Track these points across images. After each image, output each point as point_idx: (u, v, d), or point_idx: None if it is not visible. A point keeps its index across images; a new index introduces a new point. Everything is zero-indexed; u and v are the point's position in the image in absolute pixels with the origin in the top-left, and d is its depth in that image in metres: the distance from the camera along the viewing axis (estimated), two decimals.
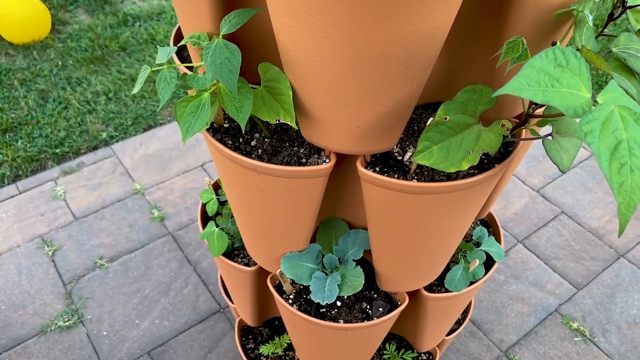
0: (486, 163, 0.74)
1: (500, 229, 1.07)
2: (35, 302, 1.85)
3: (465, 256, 0.98)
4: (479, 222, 1.11)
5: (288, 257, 0.89)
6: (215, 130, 0.77)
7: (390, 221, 0.75)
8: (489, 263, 1.02)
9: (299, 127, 0.73)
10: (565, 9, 0.58)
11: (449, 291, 0.98)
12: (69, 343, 1.75)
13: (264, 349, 1.20)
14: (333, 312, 0.95)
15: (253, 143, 0.76)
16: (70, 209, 2.15)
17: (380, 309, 0.96)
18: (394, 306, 0.96)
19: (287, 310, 0.95)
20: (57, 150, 2.35)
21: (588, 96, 0.49)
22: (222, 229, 0.98)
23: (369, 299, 0.98)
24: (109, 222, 2.11)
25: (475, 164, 0.60)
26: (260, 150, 0.75)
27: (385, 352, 1.21)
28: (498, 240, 1.07)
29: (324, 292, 0.87)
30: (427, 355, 1.27)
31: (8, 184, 2.24)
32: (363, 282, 0.87)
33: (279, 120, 0.64)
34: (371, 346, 1.02)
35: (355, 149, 0.68)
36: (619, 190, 0.42)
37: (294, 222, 0.80)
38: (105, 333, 1.78)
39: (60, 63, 2.81)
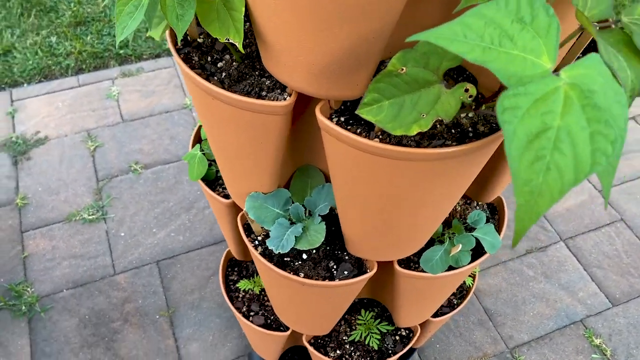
0: (472, 137, 0.63)
1: (506, 218, 0.96)
2: (69, 191, 1.94)
3: (451, 238, 0.88)
4: (484, 206, 0.99)
5: (253, 197, 0.84)
6: (187, 44, 0.71)
7: (349, 181, 0.67)
8: (480, 252, 0.91)
9: (244, 53, 0.65)
10: None
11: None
12: (88, 235, 1.83)
13: (242, 284, 1.18)
14: (296, 264, 0.90)
15: (220, 65, 0.69)
16: (120, 110, 2.20)
17: (346, 272, 0.89)
18: (362, 272, 0.89)
19: (251, 252, 0.91)
20: (121, 52, 2.39)
21: (549, 67, 0.38)
22: (204, 153, 0.94)
23: (339, 259, 0.91)
24: (152, 130, 2.14)
25: (426, 130, 0.50)
26: (224, 74, 0.68)
27: (359, 317, 1.15)
28: (499, 229, 0.95)
29: (280, 241, 0.82)
30: (407, 331, 1.19)
31: (71, 75, 2.32)
32: (322, 239, 0.80)
33: (228, 40, 0.57)
34: (334, 308, 0.97)
35: (313, 89, 0.59)
36: (523, 189, 0.32)
37: (255, 159, 0.74)
38: (122, 234, 1.84)
39: None
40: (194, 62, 0.69)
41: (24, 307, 1.65)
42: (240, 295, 1.23)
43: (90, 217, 1.87)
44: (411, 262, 0.93)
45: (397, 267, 0.88)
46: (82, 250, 1.79)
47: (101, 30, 2.47)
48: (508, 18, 0.37)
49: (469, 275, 1.23)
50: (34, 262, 1.76)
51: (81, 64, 2.35)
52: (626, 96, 0.39)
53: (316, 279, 0.88)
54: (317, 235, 0.81)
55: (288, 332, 1.15)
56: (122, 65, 2.38)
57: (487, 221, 0.98)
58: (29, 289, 1.69)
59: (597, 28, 0.43)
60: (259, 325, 1.18)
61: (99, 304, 1.68)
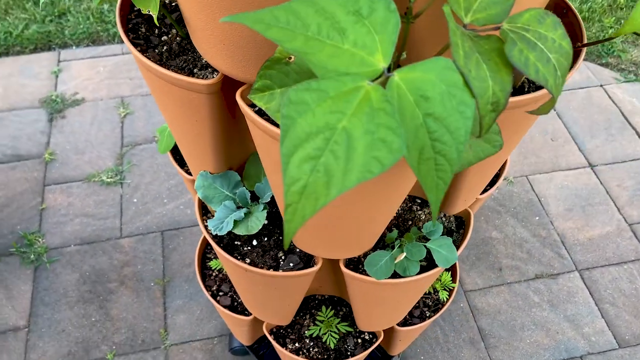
0: None
1: (469, 234, 0.91)
2: (93, 152, 2.02)
3: (402, 245, 0.85)
4: (451, 218, 0.94)
5: (203, 176, 0.84)
6: (140, 15, 0.71)
7: (277, 170, 0.66)
8: (434, 263, 0.87)
9: (158, 25, 0.65)
10: None
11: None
12: (103, 197, 1.91)
13: (213, 263, 1.19)
14: (245, 249, 0.89)
15: (164, 38, 0.69)
16: None
17: (291, 264, 0.88)
18: (309, 267, 0.88)
19: (202, 229, 0.91)
20: None
21: (382, 67, 0.35)
22: None
23: (290, 250, 0.90)
24: None
25: None
26: (165, 47, 0.68)
27: (320, 314, 1.13)
28: (459, 244, 0.90)
29: (221, 223, 0.81)
30: (370, 335, 1.16)
31: (116, 42, 2.40)
32: (260, 226, 0.79)
33: (149, 12, 0.57)
34: (283, 298, 0.96)
35: (228, 68, 0.58)
36: (290, 188, 0.29)
37: (194, 137, 0.73)
38: (135, 200, 1.90)
39: None
40: (139, 33, 0.70)
41: (32, 256, 1.74)
42: (214, 274, 1.24)
43: (108, 180, 1.94)
44: (360, 265, 0.90)
45: (342, 266, 0.86)
46: (95, 211, 1.87)
47: None
48: (343, 9, 0.35)
49: (444, 290, 1.18)
50: (50, 215, 1.85)
51: None
52: (476, 107, 0.36)
53: (261, 267, 0.88)
54: (257, 222, 0.80)
55: (250, 317, 1.15)
56: None
57: (450, 234, 0.93)
58: (40, 240, 1.78)
59: (473, 33, 0.40)
60: (225, 307, 1.19)
61: (100, 263, 1.75)
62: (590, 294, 1.74)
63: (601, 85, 2.32)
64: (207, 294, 1.19)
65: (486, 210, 1.93)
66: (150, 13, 0.56)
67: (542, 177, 2.03)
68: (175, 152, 1.02)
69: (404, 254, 0.82)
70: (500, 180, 0.99)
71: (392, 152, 0.29)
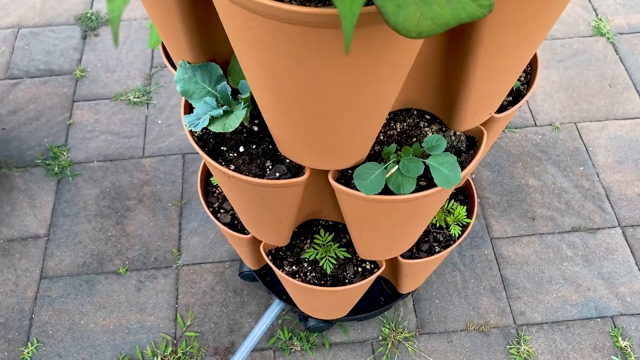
0: None
1: (479, 153, 0.80)
2: (123, 71, 2.00)
3: (398, 160, 0.76)
4: (461, 137, 0.84)
5: (183, 67, 0.77)
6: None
7: (242, 50, 0.58)
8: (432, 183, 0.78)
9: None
10: None
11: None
12: (129, 116, 1.89)
13: (214, 180, 1.14)
14: (231, 154, 0.83)
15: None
16: None
17: (277, 174, 0.81)
18: (296, 174, 0.80)
19: (185, 130, 0.85)
20: None
21: None
22: None
23: (279, 160, 0.83)
24: None
25: None
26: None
27: (318, 237, 1.07)
28: (465, 165, 0.80)
29: (198, 119, 0.75)
30: (372, 265, 1.09)
31: None
32: (236, 125, 0.72)
33: None
34: (270, 211, 0.89)
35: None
36: None
37: (163, 14, 0.66)
38: (159, 121, 1.88)
39: None
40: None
41: (56, 169, 1.76)
42: (217, 192, 1.19)
43: (135, 100, 1.92)
44: (352, 181, 0.82)
45: (330, 179, 0.78)
46: (120, 129, 1.86)
47: None
48: None
49: (458, 225, 1.08)
50: (76, 131, 1.85)
51: None
52: None
53: (246, 175, 0.81)
54: (235, 119, 0.72)
55: (249, 236, 1.10)
56: None
57: (459, 154, 0.83)
58: (65, 154, 1.80)
59: None
60: (224, 224, 1.14)
61: (120, 181, 1.75)
62: (631, 252, 1.60)
63: None
64: (208, 211, 1.14)
65: (525, 156, 1.78)
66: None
67: (593, 125, 1.85)
68: None
69: (395, 167, 0.73)
70: (525, 100, 0.87)
71: None
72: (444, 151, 0.79)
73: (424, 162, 0.76)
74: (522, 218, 1.66)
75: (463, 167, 0.81)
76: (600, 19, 2.09)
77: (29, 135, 1.85)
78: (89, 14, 2.15)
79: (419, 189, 0.79)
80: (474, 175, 1.74)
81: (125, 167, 1.78)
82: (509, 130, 1.84)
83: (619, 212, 1.67)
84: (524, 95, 0.88)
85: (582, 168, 1.76)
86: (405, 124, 0.85)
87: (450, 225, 1.09)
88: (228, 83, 0.77)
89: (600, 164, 1.77)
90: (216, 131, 0.74)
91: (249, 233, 1.11)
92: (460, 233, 1.08)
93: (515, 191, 1.72)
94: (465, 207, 1.11)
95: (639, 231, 1.63)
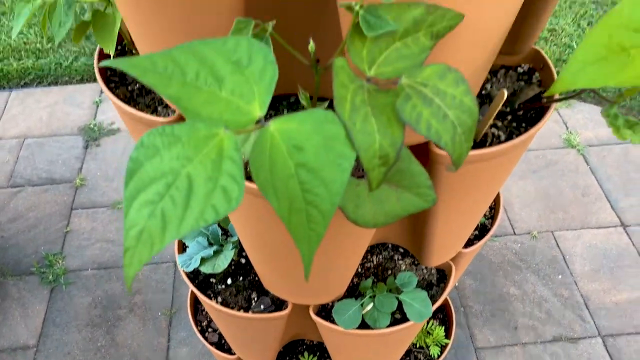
0: None
1: (448, 287, 0.87)
2: (121, 180, 2.09)
3: (373, 295, 0.82)
4: (432, 270, 0.91)
5: None
6: (122, 52, 0.75)
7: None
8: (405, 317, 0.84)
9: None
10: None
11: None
12: (122, 223, 1.96)
13: None
14: (219, 287, 0.89)
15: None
16: None
17: (262, 307, 0.87)
18: (280, 310, 0.86)
19: (178, 265, 0.92)
20: None
21: (258, 115, 0.35)
22: None
23: (265, 292, 0.89)
24: None
25: None
26: (138, 84, 0.71)
27: (301, 359, 1.11)
28: (436, 299, 0.87)
29: (190, 259, 0.82)
30: None
31: None
32: (225, 267, 0.79)
33: (109, 51, 0.60)
34: (255, 339, 0.94)
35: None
36: (129, 232, 0.29)
37: None
38: None
39: None
40: (117, 70, 0.73)
41: (51, 277, 1.81)
42: (205, 310, 1.24)
43: None
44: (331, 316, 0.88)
45: (311, 313, 0.85)
46: (116, 236, 1.92)
47: None
48: (223, 57, 0.35)
49: (436, 345, 1.13)
50: (73, 238, 1.92)
51: None
52: (353, 159, 0.35)
53: (232, 307, 0.87)
54: (224, 260, 0.80)
55: (234, 357, 1.14)
56: None
57: (430, 287, 0.90)
58: (60, 262, 1.85)
59: (374, 87, 0.39)
60: (212, 343, 1.18)
61: (113, 289, 1.79)
62: None
63: None
64: (196, 329, 1.19)
65: (506, 265, 1.85)
66: (106, 50, 0.59)
67: (569, 234, 1.94)
68: None
69: (370, 305, 0.79)
70: (489, 236, 0.95)
71: (230, 201, 0.29)
72: (416, 286, 0.86)
73: (398, 298, 0.83)
74: (505, 327, 1.70)
75: (434, 301, 0.87)
76: (571, 132, 2.24)
77: (27, 243, 1.91)
78: (92, 125, 2.29)
79: (394, 321, 0.85)
80: (457, 284, 1.80)
81: (119, 275, 1.82)
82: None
83: (598, 321, 1.71)
84: (489, 229, 0.96)
85: (560, 277, 1.82)
86: (381, 257, 0.93)
87: (430, 345, 1.14)
88: (219, 225, 0.85)
89: (577, 272, 1.83)
90: (206, 272, 0.81)
91: (235, 353, 1.14)
92: (439, 353, 1.12)
93: (498, 300, 1.77)
94: (444, 327, 1.16)
95: (618, 341, 1.67)
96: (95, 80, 2.48)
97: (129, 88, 0.71)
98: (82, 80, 2.49)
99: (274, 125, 0.35)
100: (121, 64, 0.34)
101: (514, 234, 1.94)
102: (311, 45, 0.42)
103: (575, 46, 2.60)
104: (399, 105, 0.37)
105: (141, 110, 0.66)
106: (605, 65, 0.43)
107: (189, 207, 0.29)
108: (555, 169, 2.13)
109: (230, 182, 0.30)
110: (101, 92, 2.43)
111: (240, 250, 0.94)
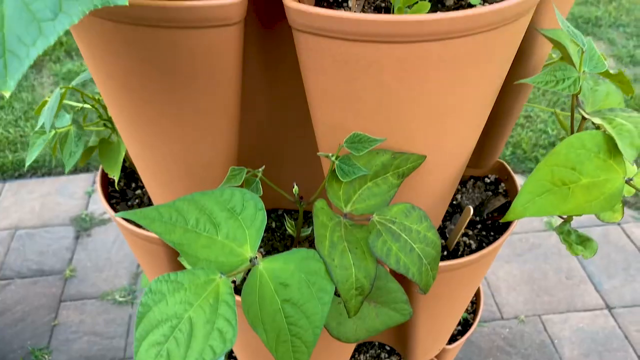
0: None
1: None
2: (111, 270, 2.11)
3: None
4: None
5: None
6: (123, 169, 0.81)
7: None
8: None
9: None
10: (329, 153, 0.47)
11: None
12: (113, 316, 1.96)
13: None
14: None
15: (138, 192, 0.78)
16: None
17: None
18: None
19: None
20: None
21: (249, 256, 0.41)
22: None
23: None
24: None
25: None
26: (137, 200, 0.77)
27: None
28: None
29: None
30: None
31: None
32: None
33: (113, 176, 0.66)
34: None
35: None
36: None
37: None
38: None
39: None
40: (119, 185, 0.79)
41: None
42: None
43: (121, 299, 2.00)
44: None
45: None
46: (104, 329, 1.91)
47: None
48: (220, 206, 0.41)
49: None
50: (60, 332, 1.90)
51: None
52: (332, 293, 0.40)
53: None
54: None
55: None
56: None
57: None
58: (47, 356, 1.82)
59: (350, 222, 0.45)
60: None
61: None
62: None
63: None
64: None
65: (495, 351, 1.86)
66: (110, 175, 0.65)
67: (556, 318, 1.96)
68: None
69: None
70: (471, 331, 0.99)
71: (225, 342, 0.34)
72: None
73: None
74: None
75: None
76: (552, 216, 2.32)
77: (13, 338, 1.89)
78: (83, 215, 2.33)
79: None
80: None
81: None
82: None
83: None
84: (472, 324, 1.00)
85: None
86: (368, 355, 0.96)
87: None
88: None
89: (566, 357, 1.84)
90: None
91: None
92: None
93: None
94: None
95: None
96: (88, 170, 2.56)
97: (129, 203, 0.76)
98: (75, 171, 2.56)
99: (263, 264, 0.40)
100: (132, 215, 0.40)
101: (502, 318, 1.96)
102: (295, 189, 0.48)
103: (550, 132, 2.75)
104: (371, 241, 0.43)
105: (142, 227, 0.71)
106: (551, 197, 0.50)
107: (190, 347, 0.34)
108: (538, 252, 2.19)
109: (225, 325, 0.34)
110: (93, 182, 2.50)
111: None
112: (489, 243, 0.71)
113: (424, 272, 0.44)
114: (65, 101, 0.72)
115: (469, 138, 0.53)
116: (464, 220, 0.64)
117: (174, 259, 0.72)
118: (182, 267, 0.79)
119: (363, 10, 0.47)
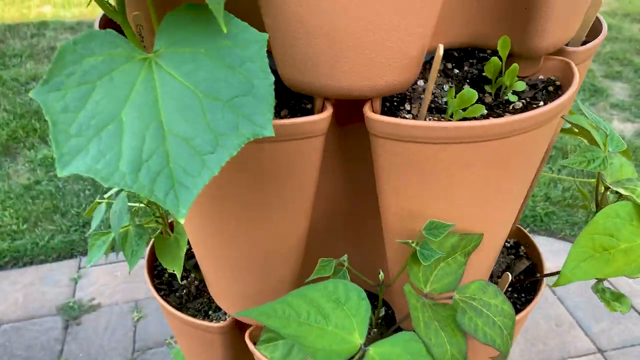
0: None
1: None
2: (105, 359, 2.05)
3: None
4: None
5: None
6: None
7: None
8: None
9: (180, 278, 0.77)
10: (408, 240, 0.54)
11: None
12: None
13: None
14: None
15: (184, 282, 0.81)
16: None
17: None
18: None
19: None
20: None
21: (359, 343, 0.45)
22: None
23: None
24: None
25: None
26: (185, 290, 0.80)
27: None
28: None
29: None
30: None
31: None
32: None
33: (173, 270, 0.69)
34: None
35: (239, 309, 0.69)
36: None
37: None
38: None
39: None
40: (163, 278, 0.82)
41: None
42: None
43: None
44: None
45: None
46: None
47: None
48: (326, 298, 0.46)
49: None
50: None
51: None
52: None
53: None
54: None
55: None
56: None
57: None
58: None
59: (432, 302, 0.51)
60: None
61: None
62: None
63: None
64: None
65: None
66: (173, 271, 0.69)
67: None
68: None
69: None
70: None
71: None
72: None
73: None
74: None
75: None
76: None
77: None
78: (71, 303, 2.27)
79: None
80: None
81: None
82: None
83: None
84: None
85: None
86: None
87: None
88: None
89: None
90: None
91: None
92: None
93: None
94: None
95: None
96: (73, 256, 2.52)
97: (177, 294, 0.79)
98: (58, 258, 2.52)
99: (372, 349, 0.44)
100: (250, 313, 0.44)
101: None
102: (381, 275, 0.54)
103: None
104: (459, 318, 0.48)
105: (193, 316, 0.74)
106: (594, 262, 0.57)
107: None
108: None
109: None
110: (79, 267, 2.46)
111: None
112: (522, 305, 0.77)
113: (505, 341, 0.49)
114: (110, 200, 0.76)
115: (513, 213, 0.60)
116: (503, 286, 0.70)
117: (229, 347, 0.75)
118: (240, 354, 0.81)
119: (419, 111, 0.54)
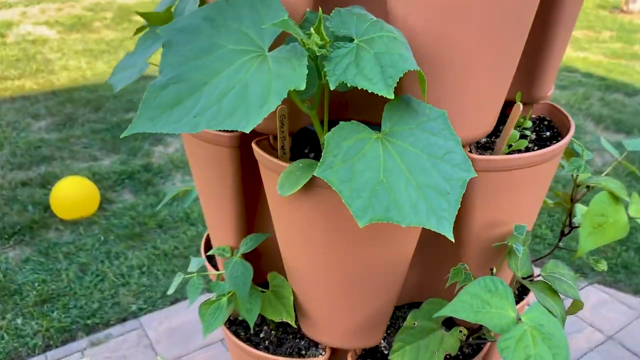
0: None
1: None
2: None
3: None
4: None
5: None
6: (231, 323, 0.92)
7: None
8: None
9: (298, 325, 0.87)
10: (500, 242, 0.75)
11: None
12: None
13: None
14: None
15: (262, 335, 0.90)
16: None
17: None
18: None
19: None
20: (89, 322, 2.50)
21: (513, 315, 0.63)
22: None
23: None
24: None
25: None
26: (267, 342, 0.88)
27: None
28: None
29: None
30: None
31: (38, 354, 2.35)
32: None
33: (282, 319, 0.79)
34: None
35: (345, 344, 0.81)
36: None
37: None
38: None
39: (102, 238, 3.09)
40: (241, 336, 0.90)
41: None
42: None
43: None
44: None
45: None
46: None
47: (67, 304, 2.59)
48: (482, 291, 0.63)
49: None
50: None
51: (48, 340, 2.41)
52: (560, 322, 0.65)
53: None
54: None
55: None
56: (90, 334, 2.46)
57: None
58: None
59: (528, 281, 0.71)
60: None
61: None
62: None
63: None
64: None
65: None
66: (285, 320, 0.79)
67: None
68: None
69: None
70: None
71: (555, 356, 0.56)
72: None
73: None
74: None
75: None
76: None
77: None
78: None
79: None
80: None
81: None
82: None
83: None
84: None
85: None
86: None
87: None
88: None
89: None
90: None
91: None
92: None
93: None
94: None
95: None
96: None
97: (260, 346, 0.88)
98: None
99: (523, 317, 0.63)
100: (447, 311, 0.60)
101: None
102: (493, 270, 0.73)
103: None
104: (557, 287, 0.69)
105: (285, 355, 0.84)
106: (595, 235, 0.83)
107: None
108: None
109: (554, 347, 0.57)
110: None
111: None
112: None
113: (577, 294, 0.71)
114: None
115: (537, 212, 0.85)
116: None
117: None
118: None
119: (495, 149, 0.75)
